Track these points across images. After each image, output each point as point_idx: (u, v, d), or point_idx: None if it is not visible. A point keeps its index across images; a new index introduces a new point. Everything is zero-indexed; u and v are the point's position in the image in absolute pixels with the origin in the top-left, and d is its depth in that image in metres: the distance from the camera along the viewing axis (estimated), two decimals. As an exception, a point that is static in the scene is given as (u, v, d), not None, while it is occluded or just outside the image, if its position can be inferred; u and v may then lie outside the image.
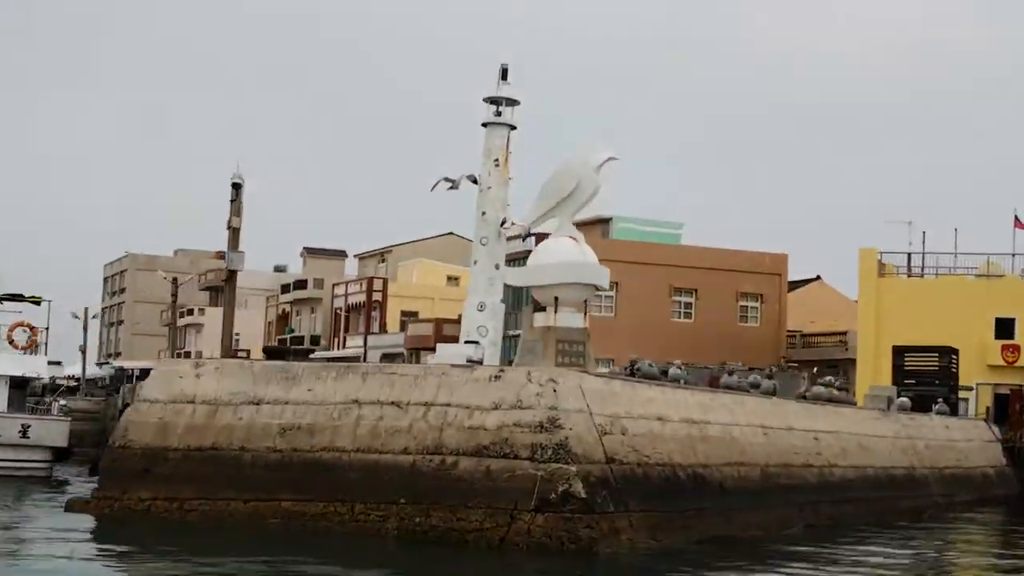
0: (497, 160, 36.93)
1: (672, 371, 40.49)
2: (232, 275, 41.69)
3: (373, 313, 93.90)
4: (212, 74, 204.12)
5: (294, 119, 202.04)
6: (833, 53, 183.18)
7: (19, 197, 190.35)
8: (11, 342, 52.19)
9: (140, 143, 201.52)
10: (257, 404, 34.83)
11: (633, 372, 39.68)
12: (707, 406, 39.30)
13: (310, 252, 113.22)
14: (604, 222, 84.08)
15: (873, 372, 69.99)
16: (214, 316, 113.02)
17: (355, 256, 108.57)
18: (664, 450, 35.80)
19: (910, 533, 42.40)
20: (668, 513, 34.36)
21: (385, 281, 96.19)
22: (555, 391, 32.93)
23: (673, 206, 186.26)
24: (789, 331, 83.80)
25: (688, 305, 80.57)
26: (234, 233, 41.68)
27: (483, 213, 36.78)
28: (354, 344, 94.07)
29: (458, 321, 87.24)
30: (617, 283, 77.02)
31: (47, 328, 54.92)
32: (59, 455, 54.30)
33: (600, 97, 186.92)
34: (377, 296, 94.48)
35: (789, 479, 41.55)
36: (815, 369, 71.81)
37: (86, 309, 65.45)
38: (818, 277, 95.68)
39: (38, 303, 55.29)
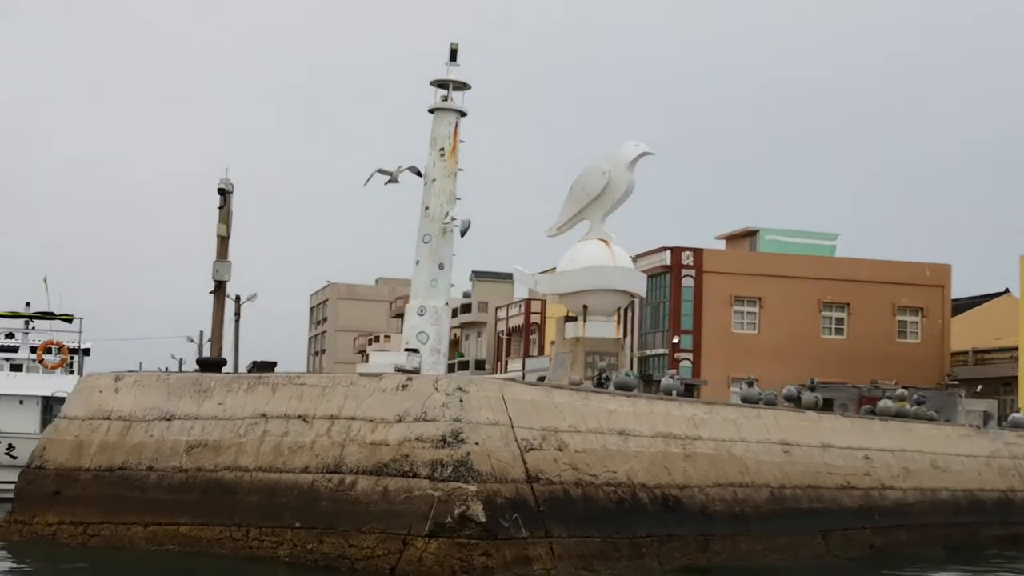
0: (443, 149, 33.13)
1: (664, 381, 36.06)
2: (220, 286, 38.77)
3: (532, 336, 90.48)
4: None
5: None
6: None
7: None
8: (41, 361, 50.45)
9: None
10: (169, 420, 31.84)
11: (601, 382, 35.28)
12: (699, 420, 34.73)
13: (479, 276, 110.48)
14: (751, 234, 79.24)
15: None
16: (400, 342, 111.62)
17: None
18: (622, 469, 31.47)
19: (987, 562, 37.09)
20: (614, 540, 30.05)
21: (543, 303, 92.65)
22: (461, 401, 28.96)
23: (827, 216, 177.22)
24: (960, 349, 76.93)
25: (840, 321, 74.77)
26: (221, 242, 38.83)
27: (426, 208, 33.01)
28: (515, 368, 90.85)
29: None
30: (760, 297, 72.26)
31: (80, 347, 53.04)
32: None
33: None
34: (536, 318, 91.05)
35: (814, 502, 36.60)
36: (979, 388, 65.61)
37: (201, 333, 63.26)
38: (1006, 290, 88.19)
39: (70, 321, 53.55)
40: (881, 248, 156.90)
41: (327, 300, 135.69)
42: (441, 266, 32.87)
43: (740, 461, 35.04)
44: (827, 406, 42.78)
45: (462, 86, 33.64)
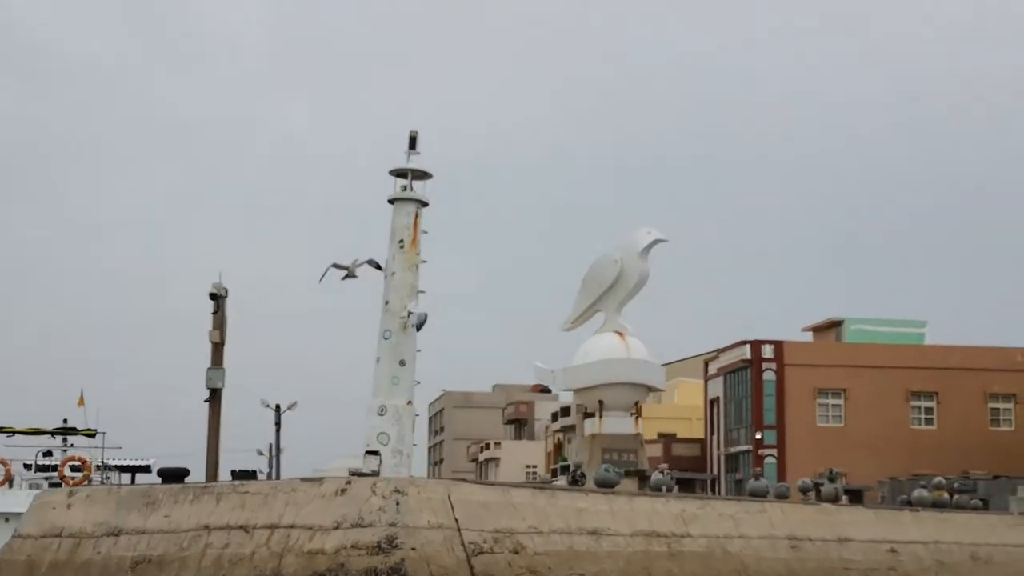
0: (402, 241, 31.51)
1: (654, 477, 33.71)
2: (215, 394, 37.41)
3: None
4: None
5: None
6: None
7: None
8: (63, 477, 49.42)
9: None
10: (116, 535, 30.31)
11: (576, 479, 33.10)
12: (690, 516, 32.36)
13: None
14: (836, 324, 76.30)
15: None
16: (511, 449, 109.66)
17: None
18: (591, 570, 29.27)
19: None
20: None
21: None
22: (398, 504, 27.10)
23: (916, 305, 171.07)
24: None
25: (929, 410, 71.43)
26: (215, 348, 37.54)
27: (386, 303, 31.36)
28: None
29: (689, 440, 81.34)
30: (845, 389, 69.33)
31: (104, 463, 51.89)
32: None
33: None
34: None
35: (825, 600, 33.88)
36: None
37: (270, 446, 62.30)
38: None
39: (92, 436, 52.55)
40: (974, 334, 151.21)
41: (443, 409, 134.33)
42: (403, 363, 31.15)
43: (737, 558, 32.57)
44: (856, 498, 40.05)
45: (422, 175, 32.12)
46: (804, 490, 37.31)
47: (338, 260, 31.70)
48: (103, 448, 52.58)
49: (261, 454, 64.10)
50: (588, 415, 41.55)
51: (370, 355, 31.97)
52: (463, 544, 27.37)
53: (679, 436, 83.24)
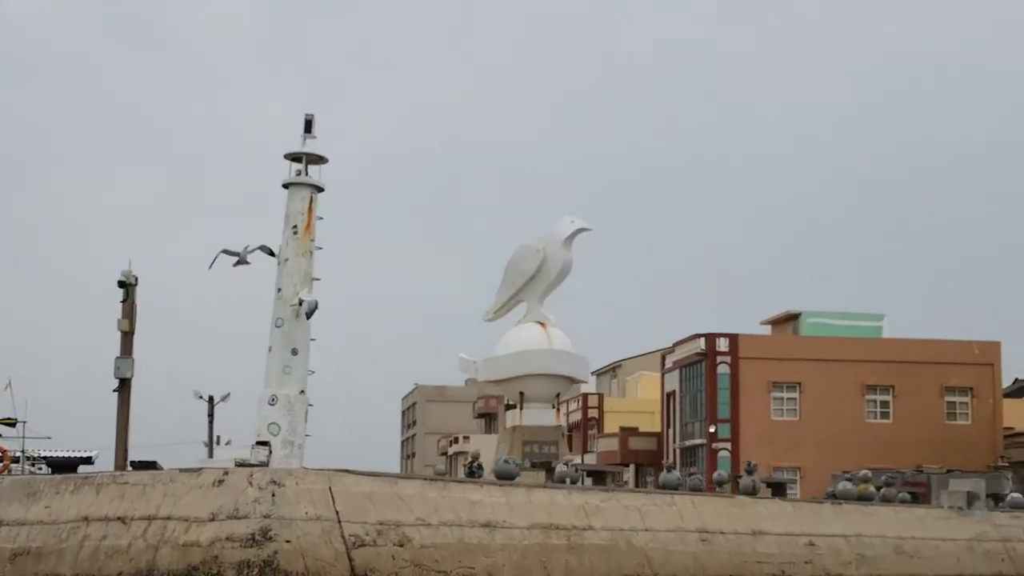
0: (296, 227, 30.47)
1: (558, 470, 32.70)
2: (124, 384, 36.44)
3: (592, 431, 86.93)
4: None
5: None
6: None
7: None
8: (-18, 469, 48.11)
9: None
10: (-3, 527, 29.32)
11: (472, 471, 32.12)
12: (592, 509, 31.39)
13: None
14: (794, 318, 75.18)
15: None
16: (479, 443, 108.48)
17: (592, 373, 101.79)
18: (482, 564, 28.33)
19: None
20: (462, 642, 26.84)
21: (601, 397, 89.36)
22: (274, 496, 26.14)
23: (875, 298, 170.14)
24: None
25: (885, 404, 70.34)
26: (125, 338, 36.58)
27: (279, 290, 30.33)
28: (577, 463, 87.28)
29: (646, 435, 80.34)
30: (800, 383, 68.26)
31: (23, 452, 50.57)
32: None
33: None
34: (594, 412, 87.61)
35: (737, 593, 32.91)
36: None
37: (211, 397, 60.68)
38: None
39: (12, 425, 51.31)
40: (934, 328, 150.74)
41: (416, 403, 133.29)
42: (295, 351, 30.13)
43: (641, 552, 31.60)
44: (780, 491, 39.11)
45: (318, 159, 31.07)
46: (719, 482, 36.34)
47: (229, 247, 30.68)
48: (23, 438, 51.45)
49: (207, 445, 63.12)
50: (510, 407, 40.51)
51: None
52: (343, 536, 26.44)
53: (641, 430, 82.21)
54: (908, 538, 38.69)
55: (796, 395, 69.54)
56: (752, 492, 36.23)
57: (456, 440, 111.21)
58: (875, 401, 70.24)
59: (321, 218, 31.09)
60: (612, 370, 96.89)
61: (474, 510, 29.01)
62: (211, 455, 53.60)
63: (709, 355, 69.50)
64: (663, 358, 77.34)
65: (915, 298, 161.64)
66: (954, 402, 70.64)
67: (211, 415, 51.23)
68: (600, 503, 31.73)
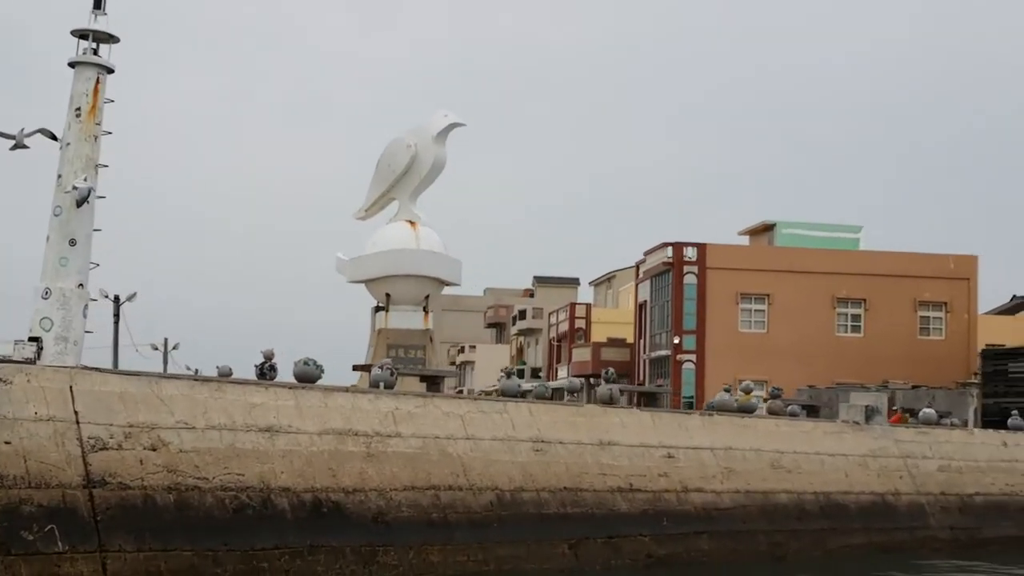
0: (79, 109, 27.67)
1: (374, 372, 29.90)
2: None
3: (579, 341, 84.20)
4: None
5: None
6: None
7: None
8: None
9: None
10: None
11: (263, 372, 29.39)
12: (403, 416, 28.66)
13: (540, 281, 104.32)
14: (770, 228, 71.81)
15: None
16: (485, 352, 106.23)
17: (589, 283, 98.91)
18: (254, 471, 25.70)
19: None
20: (217, 553, 24.30)
21: (588, 307, 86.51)
22: (-1, 394, 23.58)
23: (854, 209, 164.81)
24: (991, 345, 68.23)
25: (856, 317, 67.04)
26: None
27: (59, 176, 27.57)
28: (564, 375, 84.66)
29: (617, 344, 77.33)
30: (769, 295, 65.12)
31: None
32: None
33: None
34: (581, 323, 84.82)
35: (569, 506, 30.08)
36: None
37: (166, 340, 59.10)
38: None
39: None
40: (911, 241, 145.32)
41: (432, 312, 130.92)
42: (73, 242, 27.41)
43: (458, 461, 28.85)
44: (651, 400, 36.21)
45: (108, 38, 28.18)
46: (571, 391, 33.42)
47: (7, 129, 27.92)
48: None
49: (156, 349, 61.07)
50: (379, 309, 37.68)
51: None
52: (80, 439, 23.82)
53: (628, 341, 79.50)
54: (788, 452, 35.70)
55: (765, 307, 66.50)
56: (609, 401, 33.32)
57: (463, 349, 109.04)
58: (846, 314, 67.08)
59: (111, 100, 28.24)
60: (607, 280, 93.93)
61: (252, 414, 26.37)
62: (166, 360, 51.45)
63: (676, 265, 66.59)
64: (637, 268, 74.35)
65: (909, 214, 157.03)
66: (928, 316, 67.22)
67: (116, 315, 48.81)
68: (414, 409, 29.00)
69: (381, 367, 29.45)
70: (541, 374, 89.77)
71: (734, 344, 65.87)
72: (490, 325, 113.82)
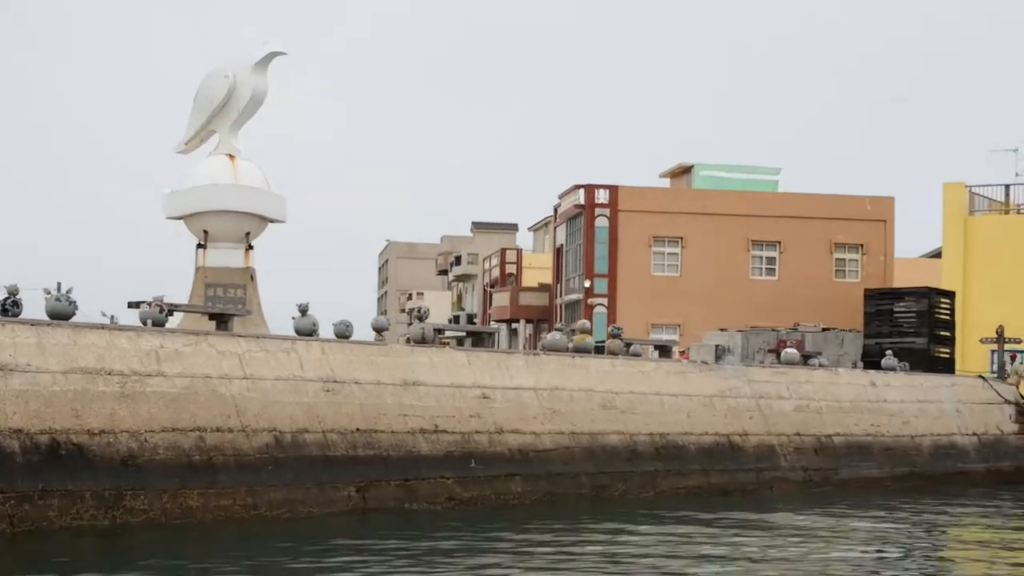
0: None
1: (142, 309, 27.59)
2: None
3: (511, 287, 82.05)
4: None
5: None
6: None
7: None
8: None
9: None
10: None
11: (6, 309, 27.08)
12: (168, 355, 26.38)
13: (478, 227, 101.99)
14: (687, 170, 69.41)
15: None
16: (433, 299, 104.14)
17: (528, 228, 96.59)
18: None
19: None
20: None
21: (519, 252, 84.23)
22: None
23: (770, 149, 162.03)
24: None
25: (771, 260, 64.79)
26: None
27: None
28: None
29: (537, 289, 75.04)
30: (682, 237, 62.83)
31: None
32: None
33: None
34: (512, 268, 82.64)
35: (360, 448, 27.88)
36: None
37: (59, 283, 56.31)
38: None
39: None
40: (830, 182, 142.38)
41: (388, 260, 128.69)
42: None
43: (229, 402, 26.55)
44: (479, 342, 33.98)
45: None
46: (379, 329, 31.13)
47: None
48: None
49: (49, 293, 58.57)
50: (200, 247, 35.36)
51: None
52: None
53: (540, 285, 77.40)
54: (623, 393, 33.42)
55: (678, 250, 64.25)
56: (422, 341, 31.05)
57: (410, 296, 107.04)
58: (761, 257, 64.83)
59: None
60: (545, 226, 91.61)
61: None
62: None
63: (588, 207, 64.30)
64: (555, 211, 72.05)
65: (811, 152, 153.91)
66: (844, 259, 64.95)
67: None
68: (182, 348, 26.67)
69: (150, 304, 27.13)
70: (476, 320, 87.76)
71: (646, 288, 63.72)
72: (441, 272, 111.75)
